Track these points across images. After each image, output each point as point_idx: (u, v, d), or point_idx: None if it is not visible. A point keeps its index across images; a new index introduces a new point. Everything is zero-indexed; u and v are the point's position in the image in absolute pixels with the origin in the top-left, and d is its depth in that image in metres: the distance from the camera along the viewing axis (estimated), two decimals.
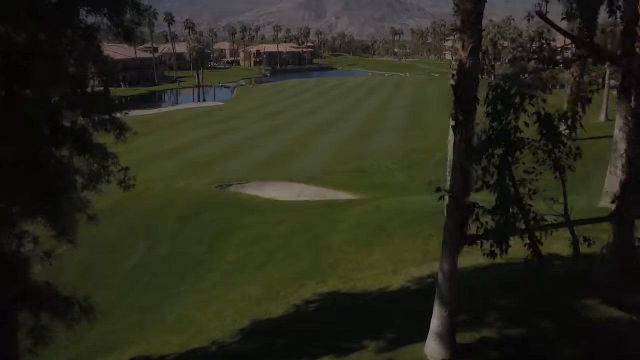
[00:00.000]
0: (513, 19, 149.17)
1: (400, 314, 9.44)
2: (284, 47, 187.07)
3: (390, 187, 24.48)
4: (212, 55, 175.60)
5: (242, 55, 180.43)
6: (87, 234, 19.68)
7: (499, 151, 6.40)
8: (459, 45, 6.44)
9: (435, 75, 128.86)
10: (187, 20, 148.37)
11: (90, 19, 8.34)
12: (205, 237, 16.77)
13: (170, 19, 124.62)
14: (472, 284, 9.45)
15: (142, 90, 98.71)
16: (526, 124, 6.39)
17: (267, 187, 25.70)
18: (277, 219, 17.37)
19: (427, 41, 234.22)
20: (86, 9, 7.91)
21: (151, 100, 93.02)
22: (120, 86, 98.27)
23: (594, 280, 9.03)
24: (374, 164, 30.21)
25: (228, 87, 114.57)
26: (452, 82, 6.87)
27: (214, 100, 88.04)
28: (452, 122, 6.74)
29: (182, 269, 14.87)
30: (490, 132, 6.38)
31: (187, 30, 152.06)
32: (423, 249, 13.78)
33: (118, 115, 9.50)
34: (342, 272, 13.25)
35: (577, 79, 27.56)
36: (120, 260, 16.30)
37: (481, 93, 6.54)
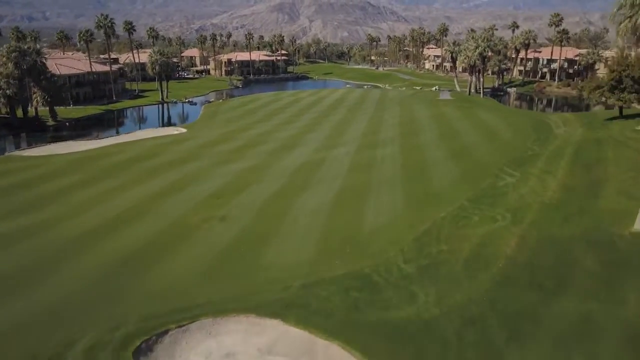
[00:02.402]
0: (496, 29, 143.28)
1: None
2: (256, 56, 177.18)
3: (412, 329, 15.58)
4: (180, 64, 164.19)
5: (212, 64, 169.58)
6: None
7: None
8: None
9: (417, 87, 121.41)
10: (150, 29, 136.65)
11: None
12: None
13: (130, 28, 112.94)
14: None
15: (95, 109, 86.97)
16: None
17: (222, 332, 16.57)
18: None
19: (405, 47, 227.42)
20: None
21: (105, 122, 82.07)
22: (70, 105, 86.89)
23: None
24: (379, 261, 21.33)
25: (195, 103, 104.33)
26: None
27: (176, 124, 77.82)
28: None
29: None
30: None
31: (151, 40, 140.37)
32: None
33: None
34: None
35: None
36: None
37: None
